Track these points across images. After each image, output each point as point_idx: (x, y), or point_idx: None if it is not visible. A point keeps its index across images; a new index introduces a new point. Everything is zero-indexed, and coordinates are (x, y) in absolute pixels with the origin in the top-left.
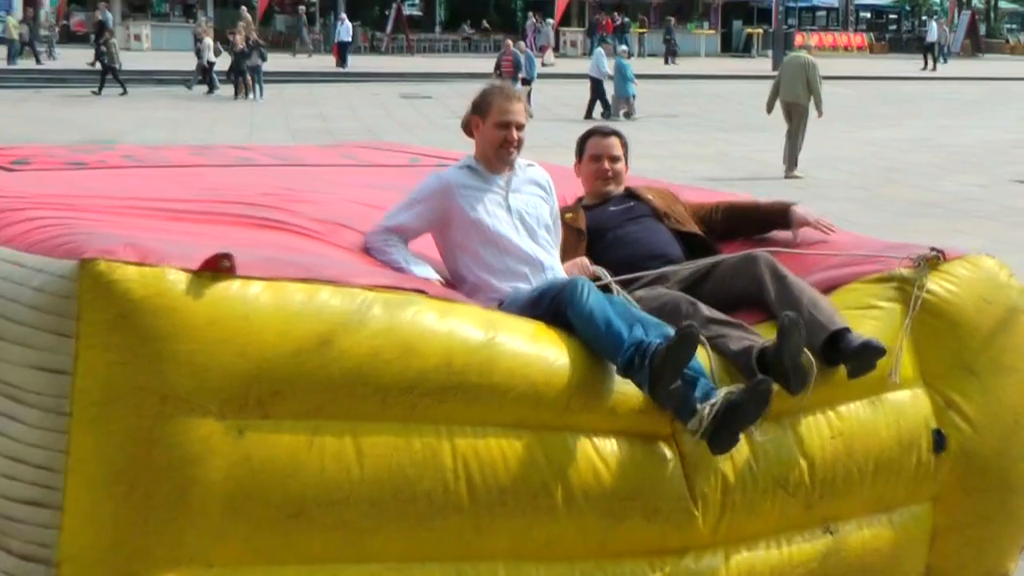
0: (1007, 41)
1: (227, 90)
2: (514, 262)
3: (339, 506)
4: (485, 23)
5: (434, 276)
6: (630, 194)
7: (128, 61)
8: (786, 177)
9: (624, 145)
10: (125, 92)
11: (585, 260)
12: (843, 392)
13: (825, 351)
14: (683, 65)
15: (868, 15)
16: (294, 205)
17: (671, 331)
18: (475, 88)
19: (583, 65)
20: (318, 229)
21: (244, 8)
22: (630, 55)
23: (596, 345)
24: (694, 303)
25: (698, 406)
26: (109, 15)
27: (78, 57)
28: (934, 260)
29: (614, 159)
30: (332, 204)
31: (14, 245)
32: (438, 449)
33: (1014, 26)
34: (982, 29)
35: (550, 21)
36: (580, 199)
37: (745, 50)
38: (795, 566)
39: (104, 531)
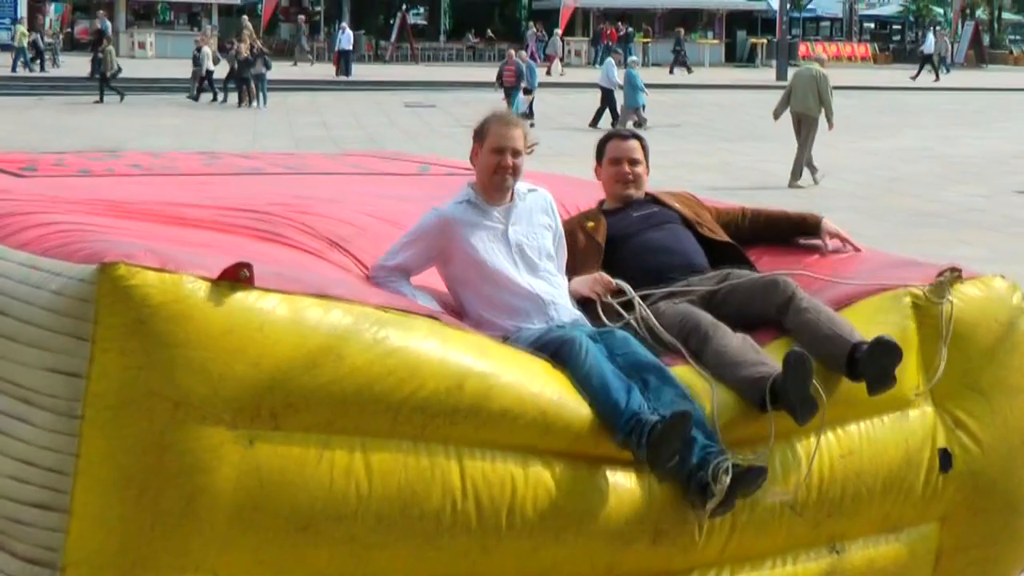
0: (1011, 52)
1: (227, 98)
2: (514, 298)
3: (347, 521)
4: (489, 32)
5: (438, 309)
6: (652, 199)
7: (132, 69)
8: (789, 186)
9: (644, 149)
10: (102, 100)
11: (605, 276)
12: (852, 411)
13: (848, 366)
14: (687, 75)
15: (872, 26)
16: (303, 217)
17: (671, 384)
18: (479, 97)
19: (587, 74)
20: (326, 248)
21: (245, 17)
22: (640, 65)
23: (594, 408)
24: (716, 325)
25: (708, 483)
26: (108, 23)
27: (82, 65)
28: (955, 278)
29: (634, 162)
30: (342, 216)
31: (29, 249)
32: (447, 468)
33: (1018, 37)
34: (986, 40)
35: (558, 31)
36: (601, 203)
37: (749, 60)
38: None
39: (111, 536)
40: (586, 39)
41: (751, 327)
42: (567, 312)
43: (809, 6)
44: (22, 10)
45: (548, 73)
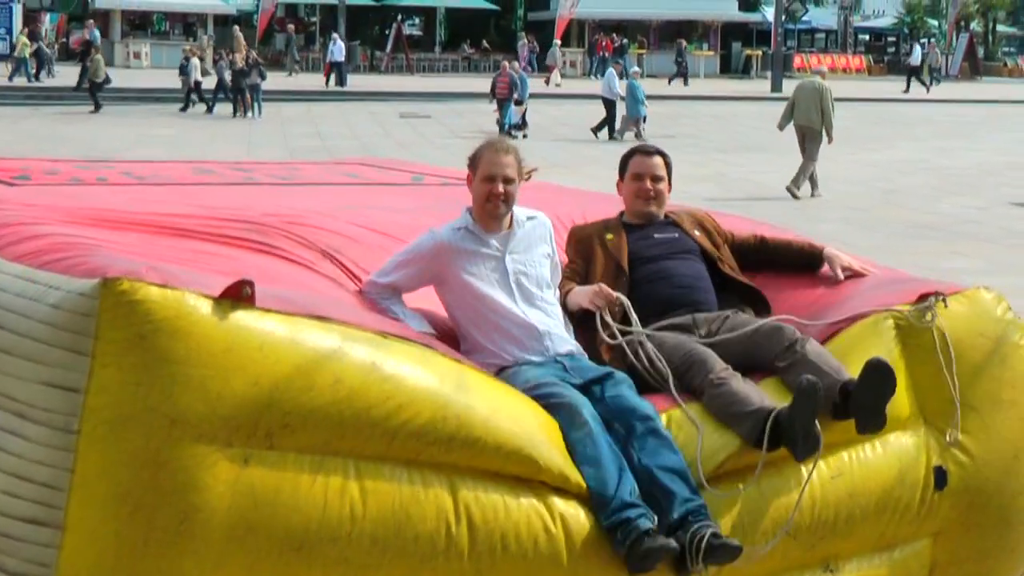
0: (1005, 64)
1: (220, 109)
2: (510, 327)
3: (341, 542)
4: (485, 43)
5: (428, 331)
6: (672, 222)
7: (127, 79)
8: (787, 188)
9: (668, 166)
10: (96, 110)
11: (606, 289)
12: (843, 436)
13: (840, 405)
14: (683, 86)
15: (867, 38)
16: (295, 228)
17: (656, 435)
18: (474, 107)
19: (582, 85)
20: (318, 259)
21: (236, 27)
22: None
23: (584, 480)
24: (718, 362)
25: (683, 545)
26: (97, 33)
27: (77, 74)
28: (938, 301)
29: (656, 179)
30: (334, 228)
31: (26, 261)
32: (441, 492)
33: (1012, 50)
34: (980, 52)
35: (557, 42)
36: (621, 214)
37: (744, 72)
38: None
39: (105, 552)
40: (581, 50)
41: (748, 370)
42: (562, 342)
43: (804, 18)
44: (18, 20)
45: (547, 83)
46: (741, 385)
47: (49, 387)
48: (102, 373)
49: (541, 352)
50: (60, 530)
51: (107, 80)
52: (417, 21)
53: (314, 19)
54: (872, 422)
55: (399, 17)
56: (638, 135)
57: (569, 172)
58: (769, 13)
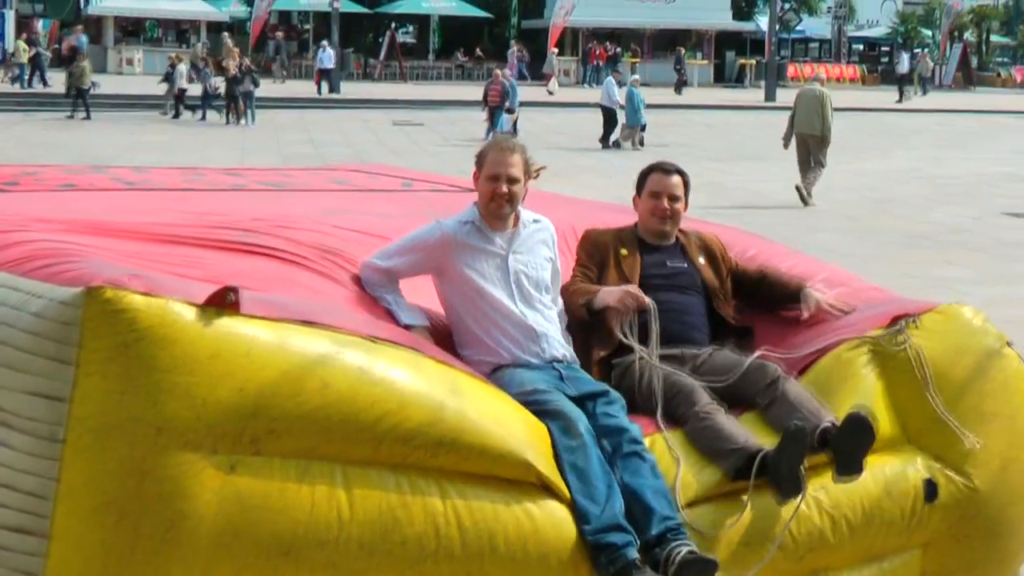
0: (998, 74)
1: (211, 116)
2: (507, 326)
3: (328, 547)
4: (479, 51)
5: (421, 323)
6: (682, 247)
7: (120, 85)
8: (800, 196)
9: (686, 185)
10: (72, 116)
11: (638, 292)
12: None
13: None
14: (675, 95)
15: (861, 47)
16: (285, 231)
17: (641, 456)
18: (467, 115)
19: (576, 94)
20: (309, 257)
21: (226, 34)
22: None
23: (571, 491)
24: (703, 395)
25: (660, 562)
26: (84, 39)
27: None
28: (909, 323)
29: (673, 199)
30: (322, 233)
31: (8, 268)
32: (429, 495)
33: (1005, 59)
34: (974, 62)
35: (555, 50)
36: (635, 227)
37: (738, 81)
38: None
39: (92, 561)
40: (575, 58)
41: (727, 401)
42: (558, 346)
43: (798, 27)
44: (10, 26)
45: (550, 92)
46: (726, 421)
47: (34, 396)
48: (86, 382)
49: (537, 354)
50: (46, 539)
51: (93, 86)
52: (411, 29)
53: (307, 27)
54: (848, 471)
55: (393, 25)
56: (635, 144)
57: (564, 180)
58: (763, 22)
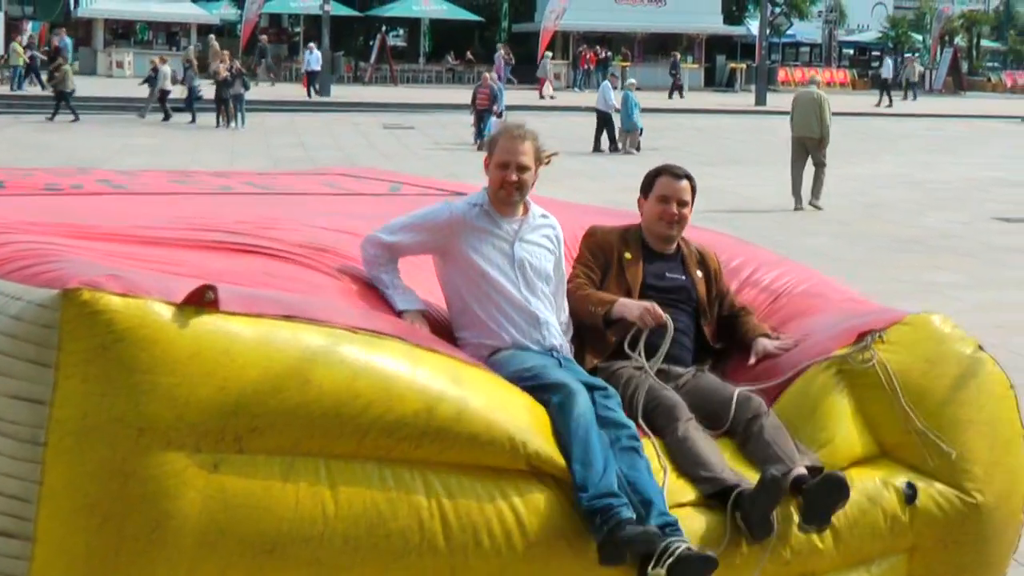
0: (989, 79)
1: (202, 119)
2: (510, 310)
3: (313, 543)
4: (469, 54)
5: (416, 307)
6: (683, 257)
7: (110, 88)
8: (809, 203)
9: (693, 189)
10: (53, 119)
11: (658, 310)
12: None
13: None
14: (664, 100)
15: (851, 52)
16: (270, 232)
17: (639, 453)
18: (457, 119)
19: (567, 97)
20: (295, 252)
21: (212, 36)
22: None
23: (567, 459)
24: (686, 413)
25: (658, 555)
26: (68, 41)
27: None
28: (877, 340)
29: (682, 204)
30: (309, 231)
31: None
32: (413, 488)
33: (996, 64)
34: (964, 67)
35: (549, 54)
36: (639, 228)
37: (728, 85)
38: None
39: (76, 563)
40: (566, 62)
41: (703, 422)
42: (557, 335)
43: (789, 32)
44: None
45: (541, 96)
46: (704, 445)
47: (15, 400)
48: (66, 384)
49: (537, 341)
50: (30, 542)
51: (73, 90)
52: (401, 32)
53: (298, 29)
54: (817, 524)
55: (383, 28)
56: (626, 147)
57: (554, 185)
58: (754, 26)
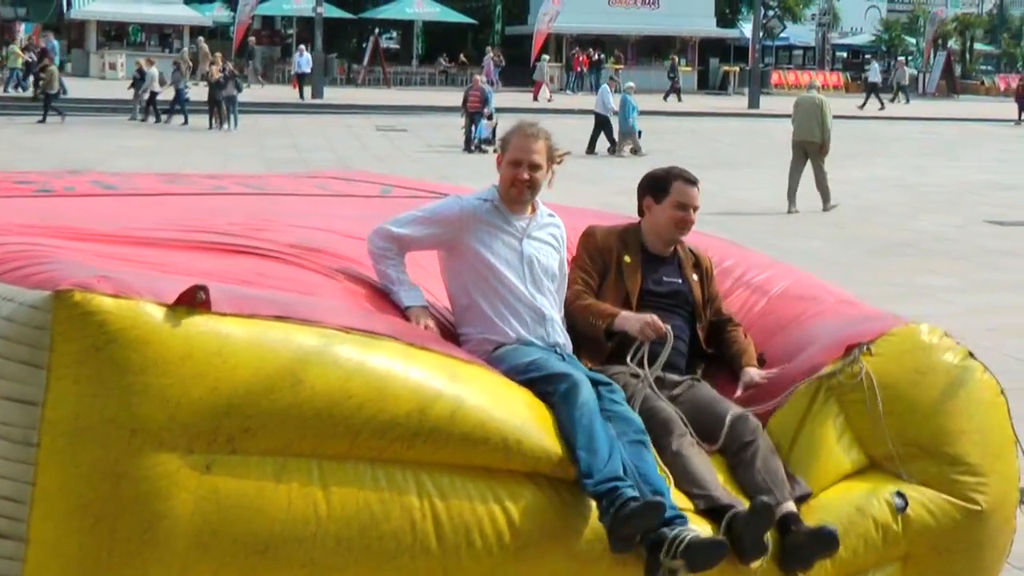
0: (982, 82)
1: (195, 120)
2: (517, 305)
3: (306, 543)
4: (462, 57)
5: (422, 304)
6: (679, 260)
7: (103, 90)
8: (824, 210)
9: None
10: (44, 118)
11: (659, 323)
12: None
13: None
14: (659, 102)
15: (844, 55)
16: (263, 232)
17: (648, 447)
18: (450, 121)
19: (560, 100)
20: (288, 252)
21: (201, 38)
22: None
23: (570, 448)
24: (682, 427)
25: (667, 541)
26: (55, 43)
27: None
28: (865, 353)
29: (696, 209)
30: (301, 231)
31: None
32: (406, 489)
33: (989, 68)
34: (957, 70)
35: (546, 57)
36: (638, 229)
37: (722, 88)
38: None
39: (70, 564)
40: (559, 65)
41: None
42: (561, 332)
43: (782, 35)
44: None
45: (535, 99)
46: (698, 462)
47: (7, 401)
48: (58, 386)
49: (542, 337)
50: (23, 543)
51: (61, 91)
52: (394, 34)
53: (291, 31)
54: (800, 570)
55: (376, 30)
56: (635, 150)
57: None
58: (747, 29)
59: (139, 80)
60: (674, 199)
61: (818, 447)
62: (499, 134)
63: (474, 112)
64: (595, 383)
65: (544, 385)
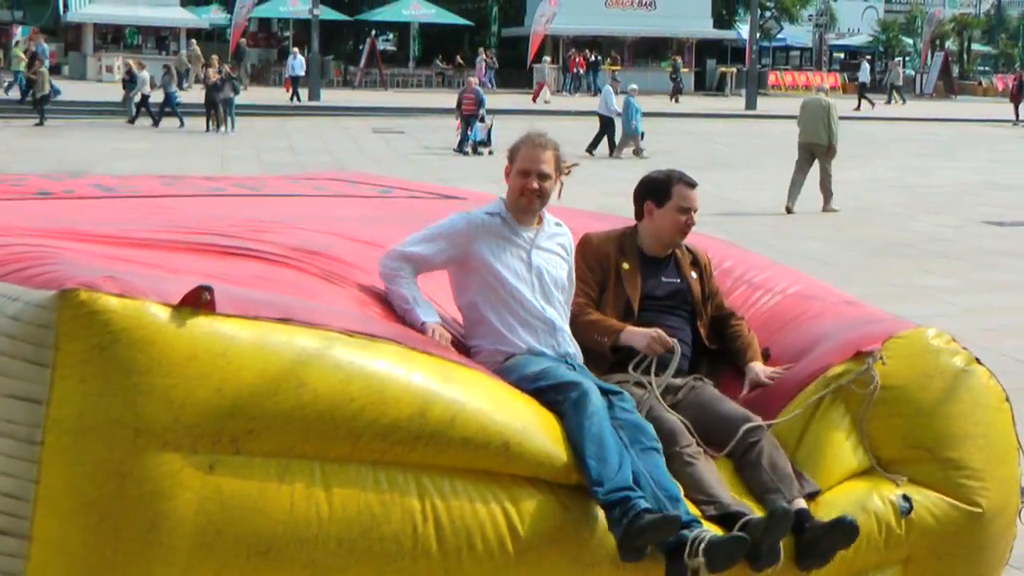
0: (980, 83)
1: (192, 123)
2: (528, 317)
3: (308, 544)
4: (459, 59)
5: (436, 320)
6: (677, 260)
7: (100, 92)
8: (824, 211)
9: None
10: (41, 123)
11: (665, 337)
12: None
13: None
14: (655, 103)
15: (841, 55)
16: (263, 235)
17: (660, 453)
18: (447, 123)
19: (558, 102)
20: (289, 255)
21: (193, 41)
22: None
23: (580, 457)
24: (688, 438)
25: (687, 543)
26: (44, 47)
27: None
28: (878, 363)
29: (695, 211)
30: (301, 234)
31: None
32: (407, 492)
33: (987, 68)
34: (955, 71)
35: (547, 58)
36: (635, 234)
37: (719, 89)
38: None
39: (73, 563)
40: (556, 67)
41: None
42: (571, 342)
43: (779, 36)
44: None
45: (534, 100)
46: (704, 471)
47: (12, 399)
48: (63, 385)
49: (552, 347)
50: (26, 540)
51: (52, 93)
52: (391, 36)
53: (287, 34)
54: (818, 566)
55: (373, 32)
56: (637, 152)
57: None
58: (744, 30)
59: (128, 82)
60: (676, 203)
61: (825, 446)
62: (494, 136)
63: (468, 115)
64: (605, 392)
65: (554, 394)
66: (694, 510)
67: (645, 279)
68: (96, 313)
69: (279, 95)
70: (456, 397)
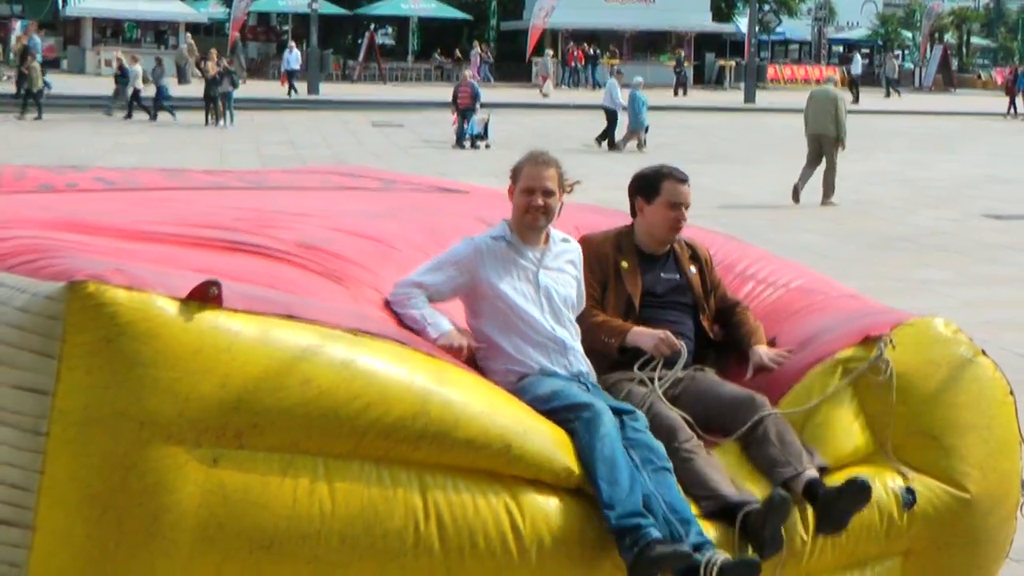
0: (979, 76)
1: (191, 117)
2: (538, 338)
3: (310, 540)
4: (458, 52)
5: (449, 328)
6: (676, 256)
7: (98, 87)
8: (823, 204)
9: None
10: (40, 115)
11: (672, 338)
12: None
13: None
14: (655, 97)
15: (841, 49)
16: (265, 230)
17: (671, 473)
18: (446, 117)
19: (557, 95)
20: (293, 252)
21: (188, 35)
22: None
23: (591, 478)
24: (688, 433)
25: (699, 567)
26: (37, 40)
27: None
28: (889, 347)
29: (687, 207)
30: (303, 229)
31: None
32: (409, 489)
33: (986, 62)
34: (954, 64)
35: (548, 52)
36: (631, 232)
37: (718, 82)
38: None
39: (76, 554)
40: (555, 60)
41: (705, 427)
42: (583, 361)
43: (778, 29)
44: None
45: (543, 94)
46: (704, 464)
47: (18, 390)
48: (70, 376)
49: (564, 366)
50: (30, 530)
51: (45, 87)
52: (390, 30)
53: (286, 28)
54: (835, 531)
55: (372, 26)
56: (640, 145)
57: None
58: (743, 24)
59: (120, 77)
60: (665, 199)
61: (832, 427)
62: (491, 130)
63: (464, 109)
64: (618, 412)
65: (566, 414)
66: (695, 510)
67: (645, 276)
68: (103, 305)
69: (278, 89)
70: (460, 399)
